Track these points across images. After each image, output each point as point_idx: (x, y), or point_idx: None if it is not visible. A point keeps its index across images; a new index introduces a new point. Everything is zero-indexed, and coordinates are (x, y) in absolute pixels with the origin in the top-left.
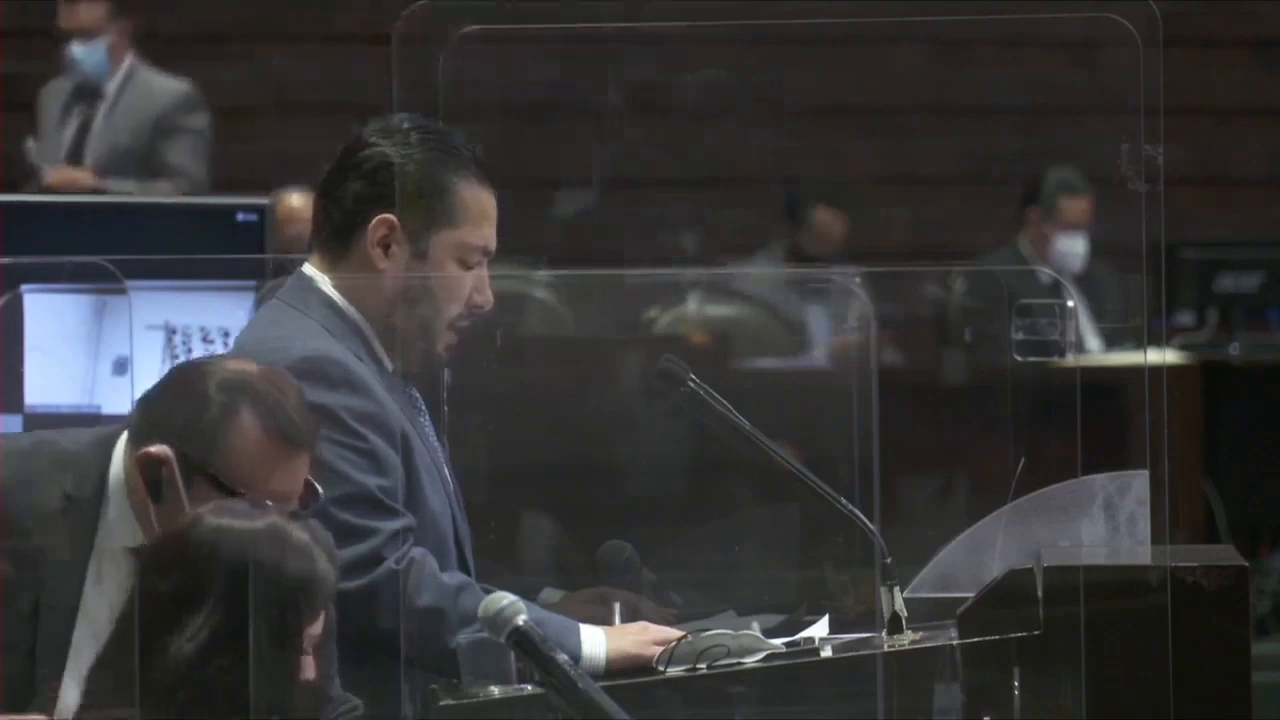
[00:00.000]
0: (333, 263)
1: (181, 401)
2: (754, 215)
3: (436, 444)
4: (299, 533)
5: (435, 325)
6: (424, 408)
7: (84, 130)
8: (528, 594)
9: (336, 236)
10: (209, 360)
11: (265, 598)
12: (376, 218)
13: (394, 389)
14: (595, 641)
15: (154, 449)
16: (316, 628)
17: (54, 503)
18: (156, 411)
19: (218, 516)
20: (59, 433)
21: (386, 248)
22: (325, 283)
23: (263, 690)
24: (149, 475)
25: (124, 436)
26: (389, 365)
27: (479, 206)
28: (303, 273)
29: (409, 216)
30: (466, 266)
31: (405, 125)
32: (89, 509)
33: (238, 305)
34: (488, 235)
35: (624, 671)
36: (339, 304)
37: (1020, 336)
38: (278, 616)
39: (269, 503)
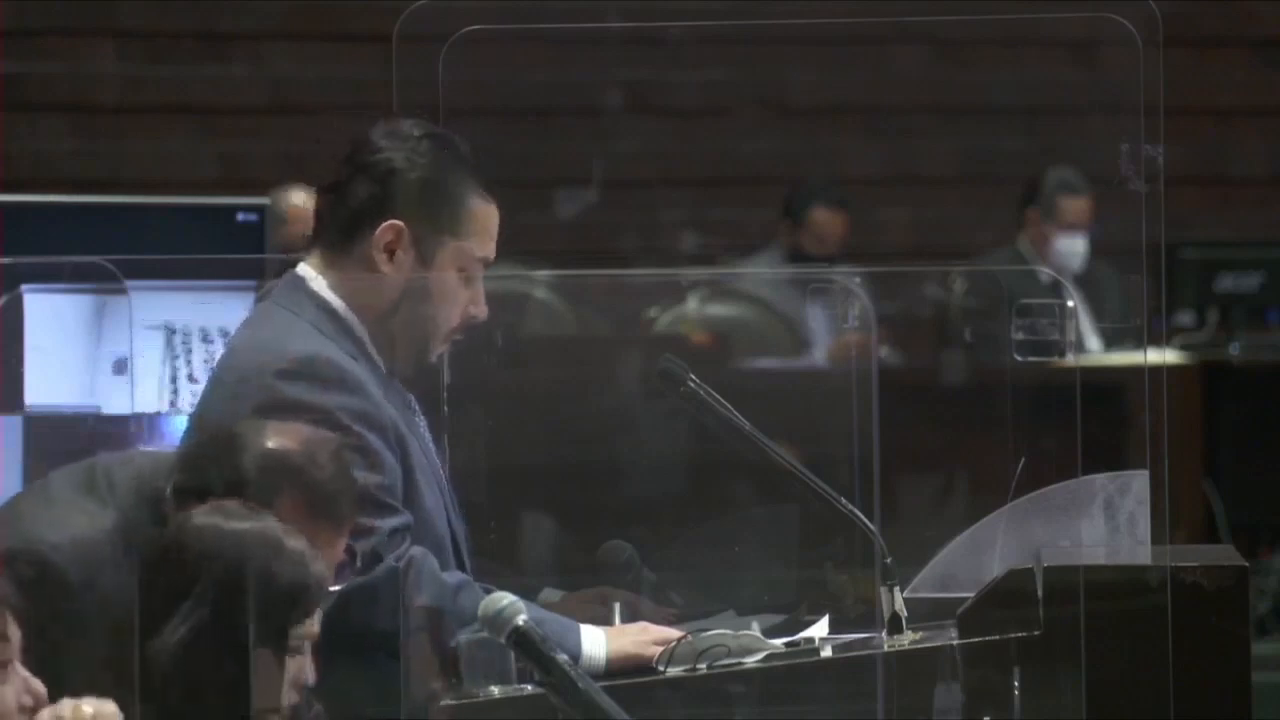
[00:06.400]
0: (331, 261)
1: (221, 472)
2: (754, 215)
3: (431, 444)
4: (294, 541)
5: (430, 331)
6: (418, 408)
7: None
8: (528, 594)
9: (339, 236)
10: (244, 429)
11: (255, 597)
12: (385, 223)
13: (388, 388)
14: (595, 641)
15: None
16: (313, 626)
17: None
18: (194, 478)
19: (209, 516)
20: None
21: (392, 253)
22: (319, 283)
23: (255, 690)
24: None
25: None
26: (382, 367)
27: (486, 219)
28: (296, 273)
29: (418, 224)
30: (467, 278)
31: (416, 133)
32: None
33: (238, 305)
34: (490, 249)
35: (624, 671)
36: (332, 305)
37: (1020, 336)
38: (265, 616)
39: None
